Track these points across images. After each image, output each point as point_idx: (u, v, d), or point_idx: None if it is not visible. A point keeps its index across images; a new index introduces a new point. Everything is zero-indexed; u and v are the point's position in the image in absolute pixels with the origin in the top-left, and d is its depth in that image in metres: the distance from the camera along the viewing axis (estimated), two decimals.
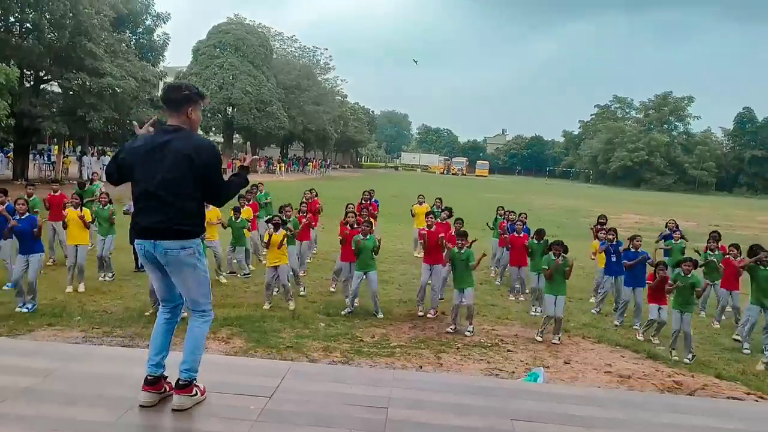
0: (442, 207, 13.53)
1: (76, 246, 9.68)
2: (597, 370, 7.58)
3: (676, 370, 7.73)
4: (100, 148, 43.40)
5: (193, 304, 3.44)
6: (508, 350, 8.10)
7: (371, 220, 10.24)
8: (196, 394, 3.40)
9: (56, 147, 34.68)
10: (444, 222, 11.01)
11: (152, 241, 3.28)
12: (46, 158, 33.97)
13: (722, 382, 7.37)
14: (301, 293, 10.20)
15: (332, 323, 8.72)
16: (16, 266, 8.40)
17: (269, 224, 9.55)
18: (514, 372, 7.28)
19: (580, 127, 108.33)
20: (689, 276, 8.38)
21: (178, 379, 3.35)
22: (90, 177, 16.54)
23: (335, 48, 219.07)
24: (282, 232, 9.28)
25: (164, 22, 34.94)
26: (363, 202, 13.76)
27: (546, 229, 12.01)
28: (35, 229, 8.37)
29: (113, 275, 10.65)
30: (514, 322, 9.52)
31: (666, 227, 12.60)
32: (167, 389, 3.43)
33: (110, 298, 9.40)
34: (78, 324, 7.96)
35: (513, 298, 11.18)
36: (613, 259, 10.37)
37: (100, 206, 10.73)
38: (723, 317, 10.36)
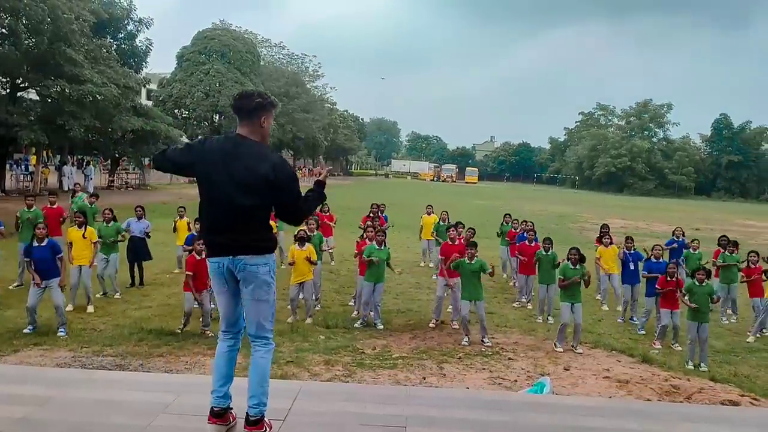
0: (449, 220, 13.40)
1: (80, 267, 9.25)
2: (596, 375, 7.59)
3: (672, 373, 7.78)
4: (80, 157, 42.66)
5: (258, 329, 3.30)
6: (509, 358, 8.07)
7: (384, 231, 10.13)
8: (266, 430, 3.26)
9: (33, 156, 33.96)
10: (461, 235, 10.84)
11: (231, 257, 3.17)
12: (23, 168, 33.24)
13: (717, 384, 7.44)
14: (316, 308, 9.97)
15: (332, 336, 8.59)
16: (31, 293, 7.98)
17: (294, 241, 9.28)
18: (516, 381, 7.23)
19: (565, 134, 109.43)
20: (704, 285, 8.32)
21: (248, 415, 3.19)
22: (72, 188, 16.15)
23: (322, 56, 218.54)
24: (309, 247, 9.09)
25: (147, 28, 34.39)
26: (371, 215, 13.61)
27: (537, 234, 12.05)
28: (59, 256, 8.09)
29: (119, 293, 10.33)
30: (512, 330, 9.49)
31: (673, 235, 12.67)
32: (232, 420, 3.31)
33: (97, 315, 9.08)
34: (65, 343, 7.67)
35: (516, 305, 11.13)
36: (631, 267, 10.41)
37: (104, 223, 10.32)
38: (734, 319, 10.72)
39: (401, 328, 9.25)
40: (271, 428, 3.27)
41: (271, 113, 3.33)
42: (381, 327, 9.10)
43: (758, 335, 9.67)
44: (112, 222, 10.35)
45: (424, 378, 7.11)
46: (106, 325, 8.61)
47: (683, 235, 12.61)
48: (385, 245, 9.53)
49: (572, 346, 8.57)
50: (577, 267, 8.76)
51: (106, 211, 10.51)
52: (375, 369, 7.27)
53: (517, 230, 12.96)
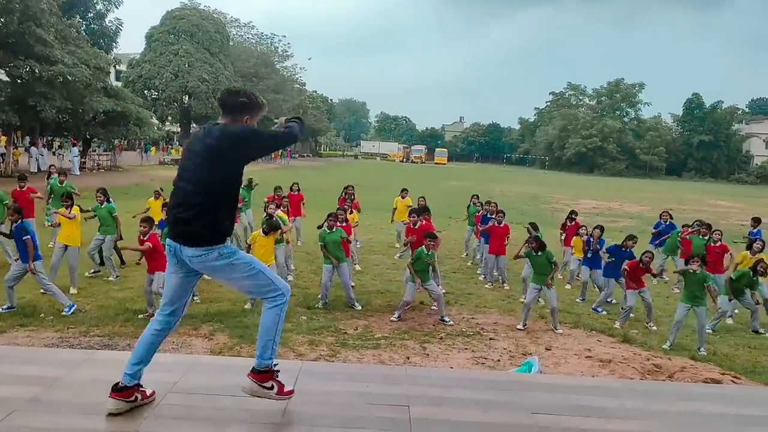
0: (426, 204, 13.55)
1: (66, 246, 9.12)
2: (578, 355, 7.77)
3: (652, 353, 8.00)
4: (50, 139, 41.61)
5: (258, 295, 3.31)
6: (491, 338, 8.22)
7: (339, 214, 9.99)
8: (272, 387, 3.23)
9: (3, 138, 33.08)
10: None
11: (179, 245, 3.15)
12: None
13: (697, 363, 7.66)
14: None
15: (314, 316, 8.66)
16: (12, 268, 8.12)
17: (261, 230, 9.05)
18: (499, 360, 7.40)
19: (535, 115, 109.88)
20: (697, 273, 8.35)
21: (250, 371, 3.21)
22: (48, 170, 15.78)
23: (291, 37, 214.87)
24: (273, 235, 8.96)
25: (116, 7, 33.68)
26: (343, 196, 13.63)
27: (508, 216, 12.22)
28: (24, 238, 7.99)
29: (116, 275, 10.27)
30: (492, 311, 9.65)
31: (660, 218, 12.96)
32: (140, 398, 3.24)
33: (81, 296, 9.01)
34: (51, 324, 7.64)
35: (489, 287, 11.29)
36: (589, 255, 10.61)
37: (98, 205, 10.25)
38: None
39: (381, 308, 9.33)
40: (283, 394, 3.25)
41: (255, 115, 3.28)
42: (359, 307, 9.17)
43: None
44: (105, 203, 10.25)
45: (408, 358, 7.24)
46: (91, 306, 8.57)
47: (671, 219, 12.86)
48: (337, 227, 9.47)
49: (552, 327, 8.77)
50: (539, 253, 8.92)
51: (99, 194, 10.37)
52: (359, 349, 7.38)
53: (480, 212, 12.95)
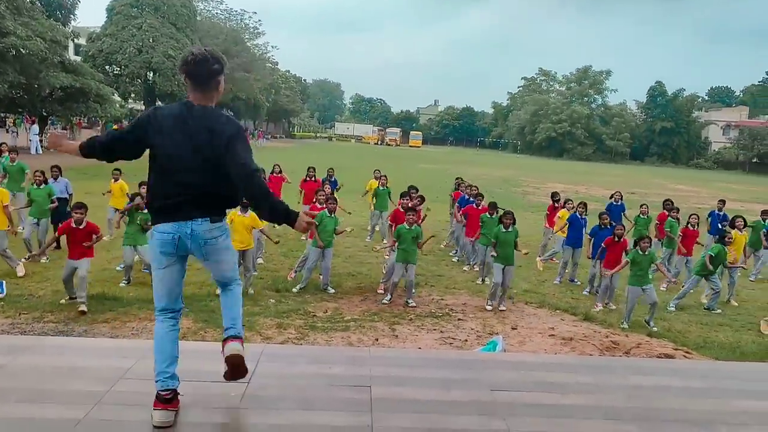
0: (386, 185, 13.58)
1: None
2: (542, 333, 7.92)
3: (611, 330, 8.22)
4: (2, 116, 40.11)
5: (232, 277, 3.19)
6: (459, 319, 8.28)
7: (336, 198, 10.02)
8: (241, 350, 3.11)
9: None
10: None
11: (188, 229, 2.97)
12: None
13: (653, 339, 7.92)
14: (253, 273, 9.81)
15: (282, 299, 8.54)
16: None
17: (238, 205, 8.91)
18: (466, 340, 7.45)
19: (508, 99, 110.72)
20: (647, 253, 8.56)
21: (229, 336, 3.03)
22: None
23: (263, 14, 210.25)
24: (251, 214, 8.67)
25: None
26: (307, 178, 13.58)
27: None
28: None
29: (47, 258, 9.78)
30: (461, 292, 9.71)
31: (611, 199, 13.29)
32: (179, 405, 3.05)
33: (35, 280, 8.65)
34: (2, 310, 7.31)
35: (466, 269, 11.33)
36: (585, 228, 10.79)
37: (34, 186, 9.72)
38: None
39: (351, 291, 9.29)
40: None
41: (223, 74, 3.16)
42: (332, 291, 9.09)
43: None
44: (43, 184, 9.76)
45: (377, 339, 7.21)
46: (45, 290, 8.23)
47: (621, 199, 13.21)
48: (335, 214, 9.48)
49: (502, 306, 8.87)
50: (510, 229, 9.01)
51: (37, 173, 9.88)
52: (327, 331, 7.31)
53: (467, 194, 13.03)
